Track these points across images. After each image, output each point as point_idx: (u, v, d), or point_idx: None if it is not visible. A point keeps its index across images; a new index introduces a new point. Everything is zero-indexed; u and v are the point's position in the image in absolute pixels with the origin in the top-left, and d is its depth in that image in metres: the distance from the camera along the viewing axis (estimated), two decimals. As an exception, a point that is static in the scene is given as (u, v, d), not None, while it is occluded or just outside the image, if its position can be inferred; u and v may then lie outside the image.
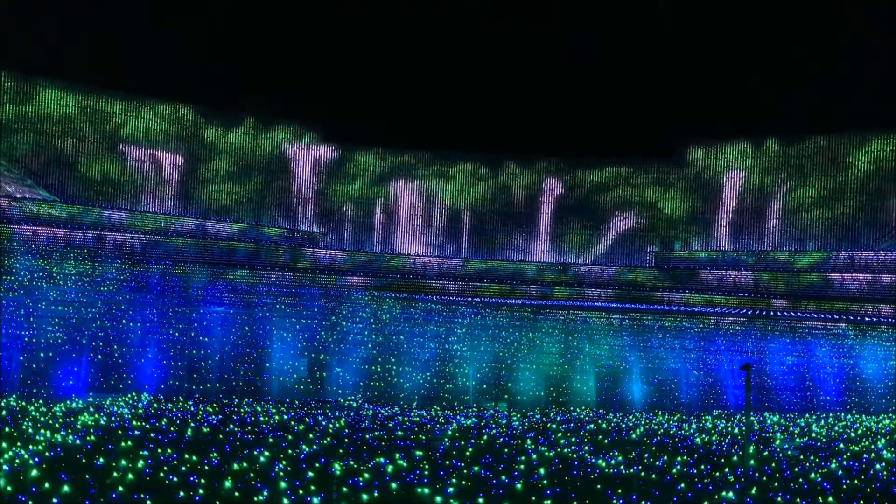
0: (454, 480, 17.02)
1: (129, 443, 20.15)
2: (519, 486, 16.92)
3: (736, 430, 29.42)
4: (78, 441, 20.16)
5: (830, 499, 16.11)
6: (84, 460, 17.53)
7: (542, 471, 18.58)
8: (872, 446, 25.23)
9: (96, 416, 25.78)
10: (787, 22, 56.56)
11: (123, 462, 17.21)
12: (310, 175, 55.88)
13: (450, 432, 25.82)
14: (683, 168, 56.37)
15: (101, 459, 17.53)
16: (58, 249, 40.57)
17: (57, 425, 23.02)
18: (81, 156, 50.03)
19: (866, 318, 44.55)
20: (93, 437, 20.80)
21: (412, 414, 32.33)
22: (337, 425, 26.64)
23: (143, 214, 49.28)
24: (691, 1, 57.69)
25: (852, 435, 28.82)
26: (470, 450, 21.78)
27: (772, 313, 45.68)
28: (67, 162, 49.54)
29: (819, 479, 18.55)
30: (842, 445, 25.15)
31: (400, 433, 25.14)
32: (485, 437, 24.85)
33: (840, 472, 19.59)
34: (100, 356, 35.94)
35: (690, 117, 55.95)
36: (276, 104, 54.57)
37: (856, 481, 18.29)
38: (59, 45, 50.04)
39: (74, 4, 51.02)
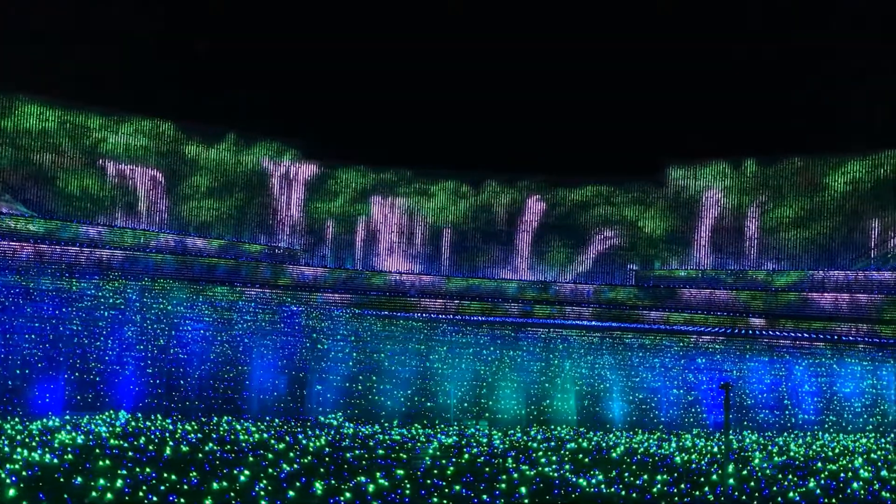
0: (435, 500, 16.98)
1: (108, 462, 19.95)
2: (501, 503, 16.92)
3: (715, 449, 29.56)
4: (55, 460, 19.93)
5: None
6: (62, 480, 17.34)
7: (523, 490, 18.59)
8: (850, 465, 25.44)
9: (73, 434, 25.50)
10: (764, 45, 57.37)
11: (102, 481, 17.03)
12: (291, 192, 55.85)
13: (431, 451, 25.76)
14: (663, 187, 56.92)
15: (80, 479, 17.34)
16: (35, 265, 40.21)
17: (34, 444, 22.75)
18: (60, 171, 49.75)
19: (843, 337, 45.03)
20: (70, 457, 20.57)
21: (393, 432, 32.21)
22: (317, 444, 26.50)
23: (122, 230, 49.02)
24: (671, 22, 58.39)
25: (830, 454, 29.05)
26: (451, 469, 21.74)
27: (750, 332, 46.07)
28: (46, 177, 49.24)
29: (797, 497, 18.68)
30: (819, 464, 25.35)
31: (381, 452, 25.06)
32: (466, 455, 24.82)
33: (818, 491, 19.75)
34: (77, 373, 35.54)
35: (670, 137, 56.48)
36: (257, 121, 54.62)
37: (833, 500, 18.45)
38: (39, 61, 49.77)
39: (54, 19, 50.84)
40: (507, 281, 54.27)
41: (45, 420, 30.34)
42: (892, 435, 38.52)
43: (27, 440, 23.71)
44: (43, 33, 50.42)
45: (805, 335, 45.32)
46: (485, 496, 17.73)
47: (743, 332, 46.07)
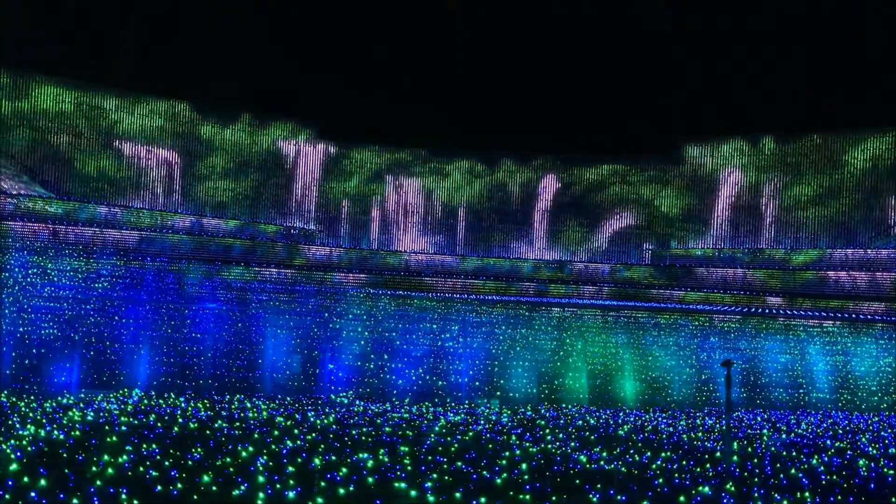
0: (435, 476, 17.06)
1: (114, 438, 20.23)
2: (499, 481, 16.96)
3: (725, 427, 29.43)
4: (62, 436, 20.25)
5: (807, 495, 16.15)
6: (66, 455, 17.61)
7: (524, 466, 18.64)
8: (858, 443, 25.25)
9: (85, 411, 25.87)
10: (782, 20, 56.50)
11: (105, 457, 17.28)
12: (306, 172, 55.96)
13: (437, 428, 25.88)
14: (680, 165, 56.35)
15: (83, 454, 17.60)
16: (53, 246, 40.66)
17: (44, 421, 23.11)
18: (77, 152, 50.13)
19: (861, 316, 44.54)
20: (77, 433, 20.88)
21: (402, 410, 32.38)
22: (326, 422, 26.70)
23: (138, 211, 49.34)
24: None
25: (839, 431, 28.84)
26: (455, 446, 21.84)
27: (767, 311, 45.69)
28: (63, 158, 49.63)
29: (800, 474, 18.58)
30: (828, 442, 25.18)
31: (388, 429, 25.21)
32: (471, 433, 24.91)
33: (821, 468, 19.63)
34: (93, 352, 36.02)
35: (687, 115, 55.93)
36: (272, 101, 54.73)
37: (834, 477, 18.32)
38: (55, 42, 50.10)
39: (70, 1, 51.09)
40: (522, 260, 54.13)
41: (59, 398, 30.81)
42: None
43: (39, 417, 24.08)
44: (58, 14, 50.69)
45: (822, 314, 44.87)
46: (485, 472, 17.79)
47: (760, 311, 45.70)
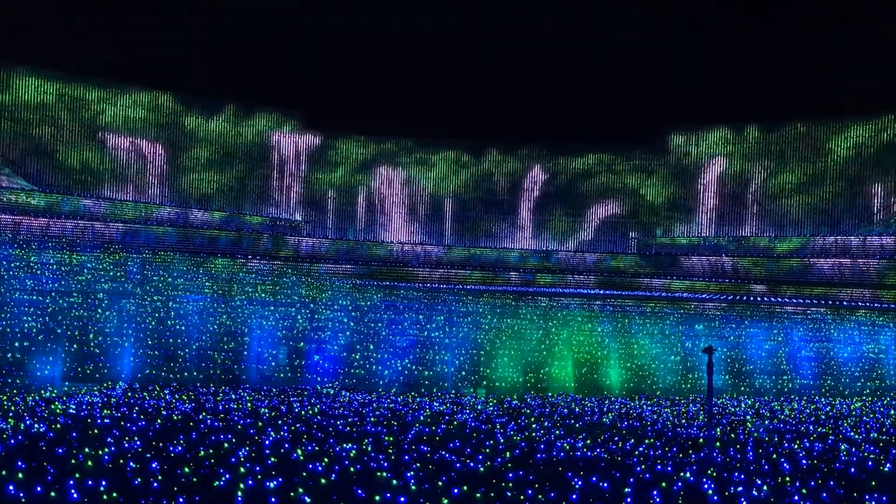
0: (417, 465, 17.04)
1: (96, 431, 20.11)
2: (482, 469, 16.97)
3: (706, 414, 29.53)
4: (43, 429, 20.11)
5: (787, 479, 16.23)
6: (45, 448, 17.48)
7: (507, 454, 18.66)
8: (840, 428, 25.41)
9: (67, 405, 25.71)
10: (767, 9, 56.54)
11: (86, 450, 17.16)
12: (292, 163, 55.71)
13: (422, 419, 25.87)
14: (665, 154, 56.42)
15: (63, 448, 17.47)
16: (36, 239, 40.36)
17: (25, 414, 22.95)
18: (60, 144, 49.69)
19: (844, 303, 44.80)
20: (58, 426, 20.75)
21: (387, 401, 32.36)
22: (310, 412, 26.64)
23: (122, 203, 49.04)
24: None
25: (822, 417, 29.02)
26: (439, 436, 21.83)
27: (751, 298, 45.89)
28: (46, 150, 49.19)
29: (782, 460, 18.66)
30: (811, 427, 25.33)
31: (373, 419, 25.18)
32: (455, 422, 24.91)
33: (802, 453, 19.73)
34: (76, 345, 35.80)
35: (672, 103, 55.88)
36: (256, 91, 54.35)
37: (815, 461, 18.43)
38: (35, 33, 49.57)
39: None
40: (508, 250, 54.13)
41: (42, 391, 30.60)
42: (888, 398, 38.50)
43: (20, 411, 23.90)
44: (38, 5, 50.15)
45: (806, 301, 45.09)
46: (469, 461, 17.78)
47: (744, 298, 45.89)
